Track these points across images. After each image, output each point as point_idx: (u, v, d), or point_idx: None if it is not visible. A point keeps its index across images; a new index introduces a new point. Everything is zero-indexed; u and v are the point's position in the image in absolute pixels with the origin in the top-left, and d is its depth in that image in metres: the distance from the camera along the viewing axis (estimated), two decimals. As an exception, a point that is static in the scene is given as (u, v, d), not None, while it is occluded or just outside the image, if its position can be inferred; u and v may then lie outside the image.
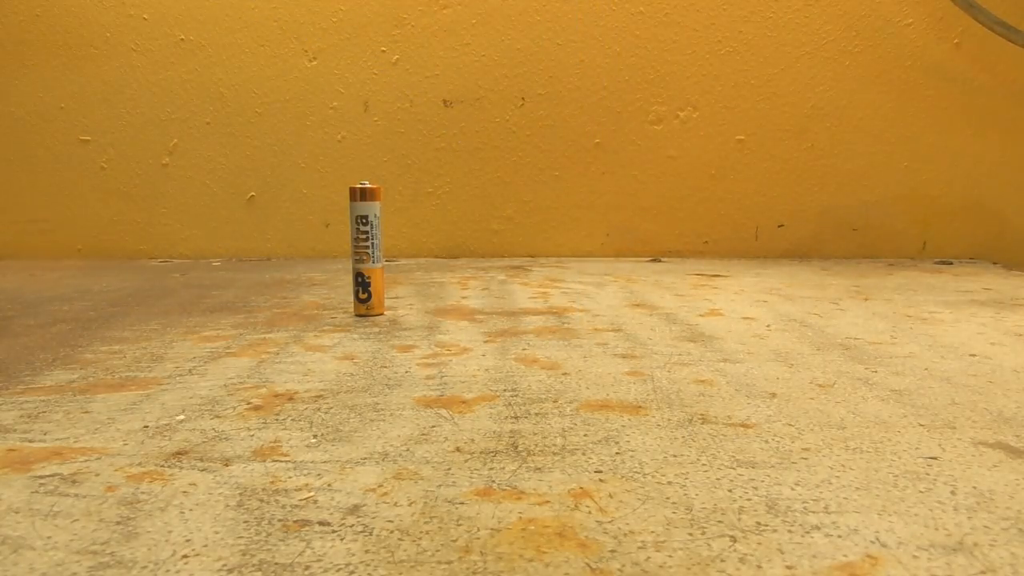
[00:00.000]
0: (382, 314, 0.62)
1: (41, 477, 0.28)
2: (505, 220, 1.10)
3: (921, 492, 0.26)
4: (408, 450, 0.31)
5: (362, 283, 0.60)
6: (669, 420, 0.35)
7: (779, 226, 1.10)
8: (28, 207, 1.11)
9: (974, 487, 0.27)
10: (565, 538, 0.23)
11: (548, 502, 0.25)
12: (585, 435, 0.32)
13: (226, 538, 0.23)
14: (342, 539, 0.23)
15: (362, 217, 0.59)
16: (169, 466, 0.29)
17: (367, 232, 0.59)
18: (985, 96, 1.05)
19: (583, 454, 0.30)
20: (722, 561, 0.21)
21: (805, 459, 0.29)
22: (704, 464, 0.29)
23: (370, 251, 0.60)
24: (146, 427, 0.34)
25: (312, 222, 1.11)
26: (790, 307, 0.66)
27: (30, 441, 0.32)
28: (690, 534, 0.23)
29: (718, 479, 0.27)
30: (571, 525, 0.24)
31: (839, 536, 0.23)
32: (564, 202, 1.10)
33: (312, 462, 0.29)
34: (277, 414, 0.36)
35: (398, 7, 1.07)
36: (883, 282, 0.84)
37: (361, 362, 0.46)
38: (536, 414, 0.36)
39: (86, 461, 0.30)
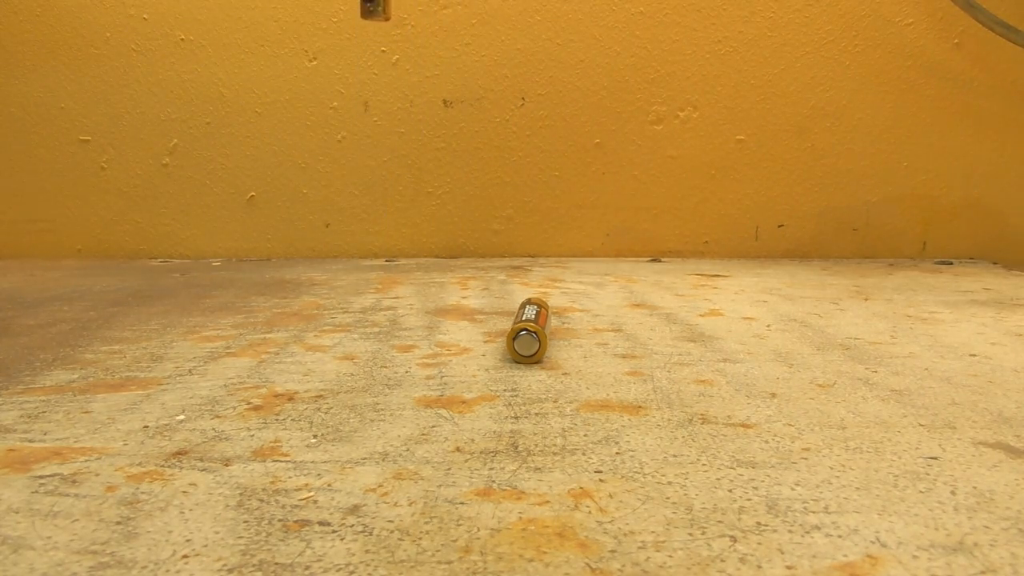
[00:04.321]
0: (388, 19, 0.55)
1: (41, 477, 0.28)
2: (505, 220, 1.10)
3: (921, 492, 0.26)
4: (408, 450, 0.31)
5: None
6: (669, 420, 0.35)
7: (779, 226, 1.10)
8: (28, 207, 1.11)
9: (974, 487, 0.27)
10: (565, 538, 0.23)
11: (548, 502, 0.25)
12: (585, 435, 0.32)
13: (226, 538, 0.23)
14: (342, 539, 0.23)
15: None
16: (169, 466, 0.29)
17: None
18: (985, 96, 1.05)
19: (583, 454, 0.30)
20: (722, 561, 0.21)
21: (805, 459, 0.29)
22: (704, 464, 0.29)
23: None
24: (146, 427, 0.34)
25: (312, 222, 1.11)
26: (790, 307, 0.66)
27: (30, 441, 0.32)
28: (690, 534, 0.23)
29: (718, 479, 0.27)
30: (571, 525, 0.24)
31: (839, 536, 0.23)
32: (564, 202, 1.10)
33: (312, 462, 0.29)
34: (277, 414, 0.36)
35: (398, 7, 1.06)
36: (883, 282, 0.84)
37: (361, 362, 0.46)
38: (536, 414, 0.36)
39: (86, 461, 0.30)
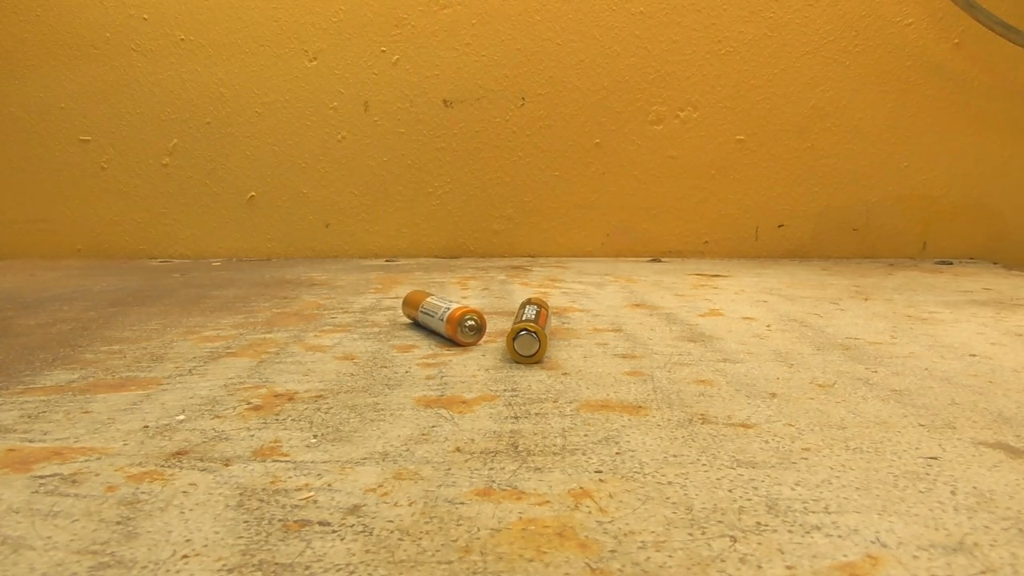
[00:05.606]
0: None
1: (41, 477, 0.28)
2: (505, 220, 1.10)
3: (921, 492, 0.26)
4: (408, 450, 0.31)
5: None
6: (669, 420, 0.35)
7: (779, 226, 1.10)
8: (28, 207, 1.11)
9: (974, 487, 0.27)
10: (565, 538, 0.23)
11: (548, 502, 0.25)
12: (585, 435, 0.32)
13: (226, 538, 0.23)
14: (342, 539, 0.23)
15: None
16: (169, 466, 0.29)
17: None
18: (985, 96, 1.05)
19: (583, 454, 0.30)
20: (722, 561, 0.21)
21: (805, 459, 0.30)
22: (704, 464, 0.29)
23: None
24: (146, 427, 0.34)
25: (312, 222, 1.11)
26: (790, 307, 0.66)
27: (30, 441, 0.32)
28: (690, 534, 0.23)
29: (718, 479, 0.27)
30: (571, 525, 0.24)
31: (839, 536, 0.23)
32: (564, 202, 1.10)
33: (312, 462, 0.29)
34: (277, 414, 0.36)
35: (398, 7, 1.07)
36: (883, 282, 0.84)
37: (361, 362, 0.46)
38: (536, 414, 0.36)
39: (86, 461, 0.30)
